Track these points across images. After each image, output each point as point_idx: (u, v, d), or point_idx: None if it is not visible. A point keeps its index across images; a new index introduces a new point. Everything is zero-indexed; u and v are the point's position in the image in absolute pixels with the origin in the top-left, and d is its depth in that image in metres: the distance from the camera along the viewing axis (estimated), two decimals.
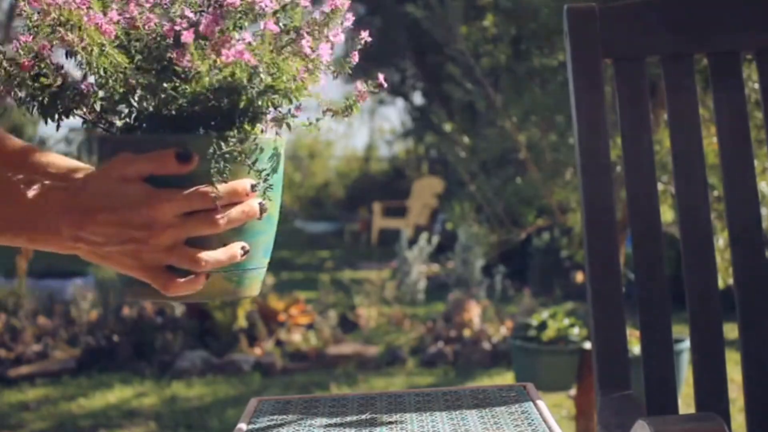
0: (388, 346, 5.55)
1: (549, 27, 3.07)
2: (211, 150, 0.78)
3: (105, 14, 0.76)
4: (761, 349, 1.14)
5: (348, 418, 0.95)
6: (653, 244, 1.15)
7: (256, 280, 0.85)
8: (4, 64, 0.80)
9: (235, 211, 0.79)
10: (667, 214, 2.93)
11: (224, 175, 0.78)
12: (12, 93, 0.80)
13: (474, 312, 5.73)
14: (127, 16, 0.79)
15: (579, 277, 6.88)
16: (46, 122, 0.82)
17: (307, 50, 0.82)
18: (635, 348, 1.58)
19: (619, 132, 1.18)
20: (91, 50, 0.77)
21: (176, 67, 0.78)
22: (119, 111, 0.82)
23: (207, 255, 0.79)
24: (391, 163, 15.37)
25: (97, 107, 0.81)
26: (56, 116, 0.82)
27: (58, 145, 10.26)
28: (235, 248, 0.80)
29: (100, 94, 0.81)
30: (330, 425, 0.93)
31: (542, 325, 4.80)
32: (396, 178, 13.67)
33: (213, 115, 0.80)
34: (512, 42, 3.42)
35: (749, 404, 1.15)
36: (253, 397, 1.07)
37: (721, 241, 2.66)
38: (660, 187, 2.53)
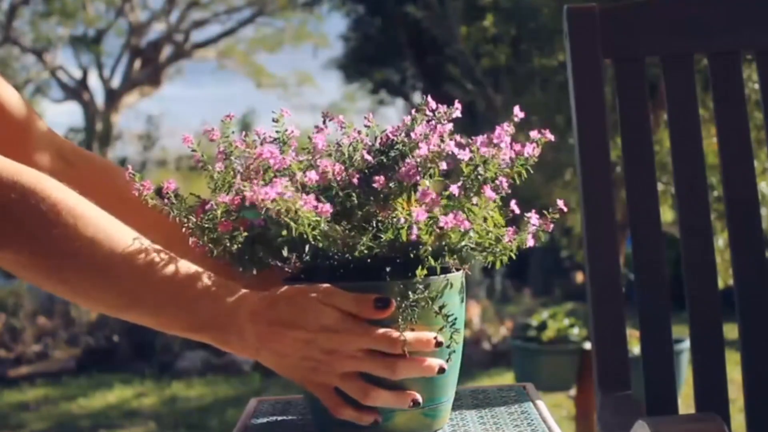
0: None
1: (549, 27, 3.07)
2: (398, 299, 0.80)
3: (305, 174, 0.79)
4: (761, 349, 1.14)
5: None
6: (653, 244, 1.15)
7: (448, 410, 0.88)
8: (202, 224, 0.84)
9: (414, 367, 0.81)
10: (667, 214, 2.93)
11: (412, 321, 0.80)
12: (207, 248, 0.85)
13: (474, 312, 5.73)
14: (321, 171, 0.82)
15: (579, 277, 6.88)
16: (239, 269, 0.86)
17: (514, 208, 0.84)
18: (635, 348, 1.58)
19: (619, 132, 1.18)
20: (307, 224, 0.79)
21: (377, 219, 0.81)
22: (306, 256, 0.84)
23: (377, 393, 0.82)
24: None
25: (285, 252, 0.84)
26: (248, 265, 0.86)
27: None
28: (407, 397, 0.82)
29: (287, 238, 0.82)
30: None
31: (542, 325, 4.80)
32: None
33: (401, 259, 0.82)
34: (512, 42, 3.42)
35: (749, 404, 1.15)
36: (253, 397, 1.07)
37: (721, 241, 2.66)
38: (660, 187, 2.52)
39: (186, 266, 0.83)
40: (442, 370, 0.82)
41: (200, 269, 0.83)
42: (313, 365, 0.82)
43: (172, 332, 0.85)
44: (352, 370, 0.82)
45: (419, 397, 0.82)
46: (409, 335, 0.80)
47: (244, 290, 0.83)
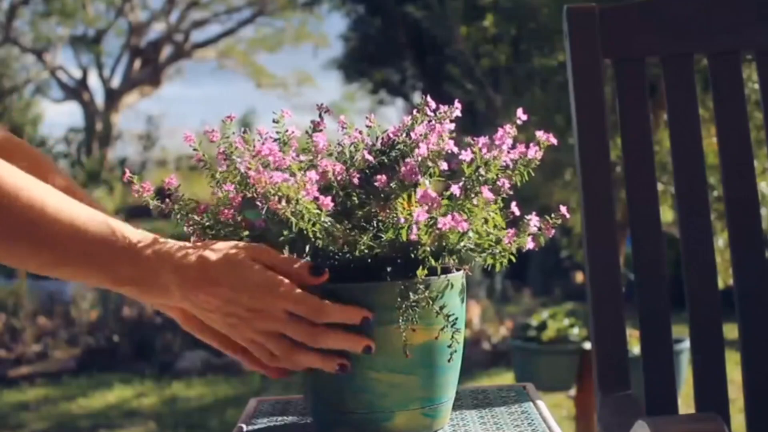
0: None
1: (549, 27, 3.07)
2: (399, 299, 0.80)
3: (305, 174, 0.79)
4: (761, 349, 1.14)
5: None
6: (653, 244, 1.15)
7: (448, 411, 0.88)
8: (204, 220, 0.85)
9: (336, 338, 0.81)
10: (667, 214, 2.93)
11: (413, 321, 0.80)
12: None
13: (474, 312, 5.73)
14: (320, 170, 0.82)
15: (579, 277, 6.87)
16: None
17: (514, 210, 0.84)
18: (635, 348, 1.58)
19: (619, 132, 1.18)
20: (308, 219, 0.79)
21: (378, 219, 0.81)
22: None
23: (303, 355, 0.82)
24: None
25: (286, 252, 0.84)
26: None
27: (59, 145, 10.27)
28: (333, 361, 0.82)
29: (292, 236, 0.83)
30: None
31: (542, 325, 4.79)
32: None
33: (401, 259, 0.82)
34: (512, 42, 3.42)
35: (749, 404, 1.15)
36: (253, 397, 1.07)
37: (721, 241, 2.66)
38: (660, 187, 2.52)
39: (109, 222, 0.81)
40: (368, 349, 0.81)
41: (125, 225, 0.82)
42: (235, 322, 0.82)
43: (99, 287, 0.84)
44: (274, 330, 0.82)
45: (347, 362, 0.81)
46: (336, 307, 0.80)
47: (171, 243, 0.82)
